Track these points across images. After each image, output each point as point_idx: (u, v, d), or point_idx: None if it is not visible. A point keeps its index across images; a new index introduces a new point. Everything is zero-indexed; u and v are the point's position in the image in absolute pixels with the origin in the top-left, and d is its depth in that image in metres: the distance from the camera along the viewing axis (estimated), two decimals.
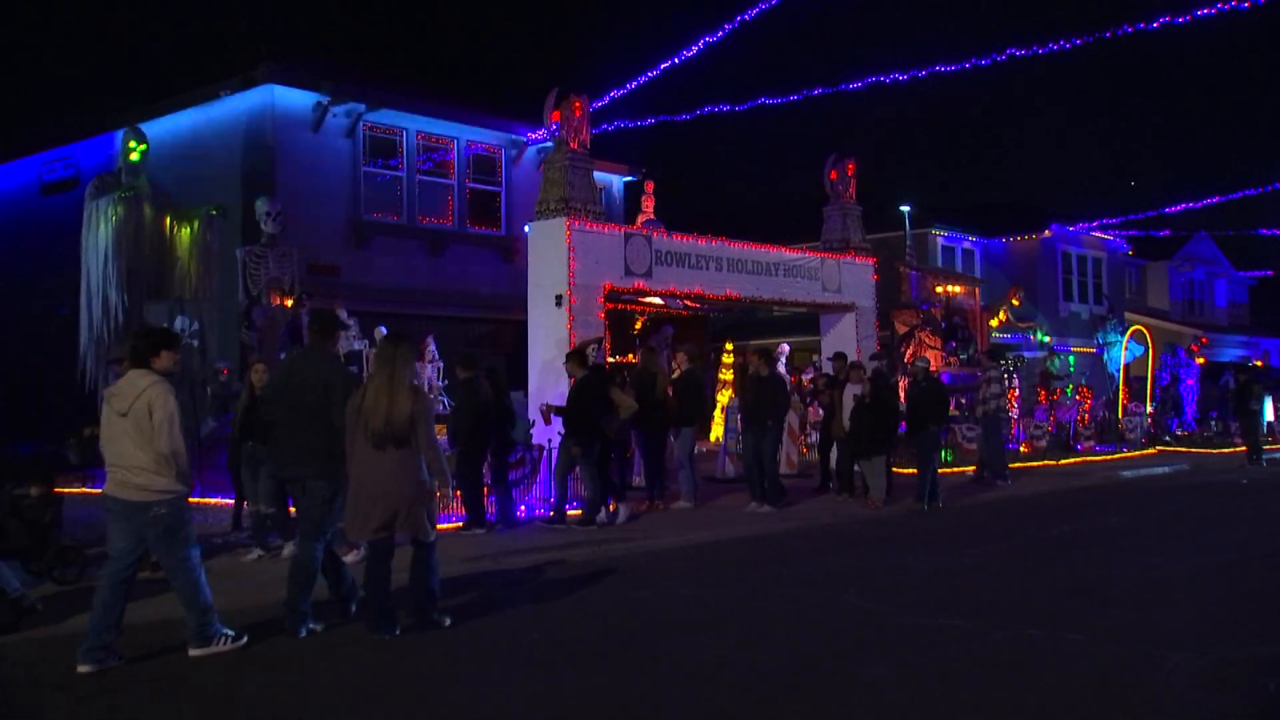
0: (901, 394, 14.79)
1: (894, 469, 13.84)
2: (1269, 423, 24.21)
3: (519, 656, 6.52)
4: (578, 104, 14.76)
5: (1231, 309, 43.62)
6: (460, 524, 10.91)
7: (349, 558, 8.62)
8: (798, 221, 24.09)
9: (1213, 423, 24.80)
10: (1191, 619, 7.41)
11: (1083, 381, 24.53)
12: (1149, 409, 23.85)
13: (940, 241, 31.63)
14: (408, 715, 5.48)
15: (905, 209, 29.12)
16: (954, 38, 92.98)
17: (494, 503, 11.48)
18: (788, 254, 17.73)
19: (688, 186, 64.33)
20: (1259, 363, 33.70)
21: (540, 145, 20.89)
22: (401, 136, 19.91)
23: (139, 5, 52.14)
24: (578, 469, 11.58)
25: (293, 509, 11.11)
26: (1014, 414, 19.34)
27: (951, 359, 21.67)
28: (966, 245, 32.75)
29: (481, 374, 11.44)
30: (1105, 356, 26.72)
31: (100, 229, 14.93)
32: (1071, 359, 26.39)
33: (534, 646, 6.71)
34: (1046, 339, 25.74)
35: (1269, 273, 44.32)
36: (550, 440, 12.25)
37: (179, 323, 14.06)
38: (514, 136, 21.31)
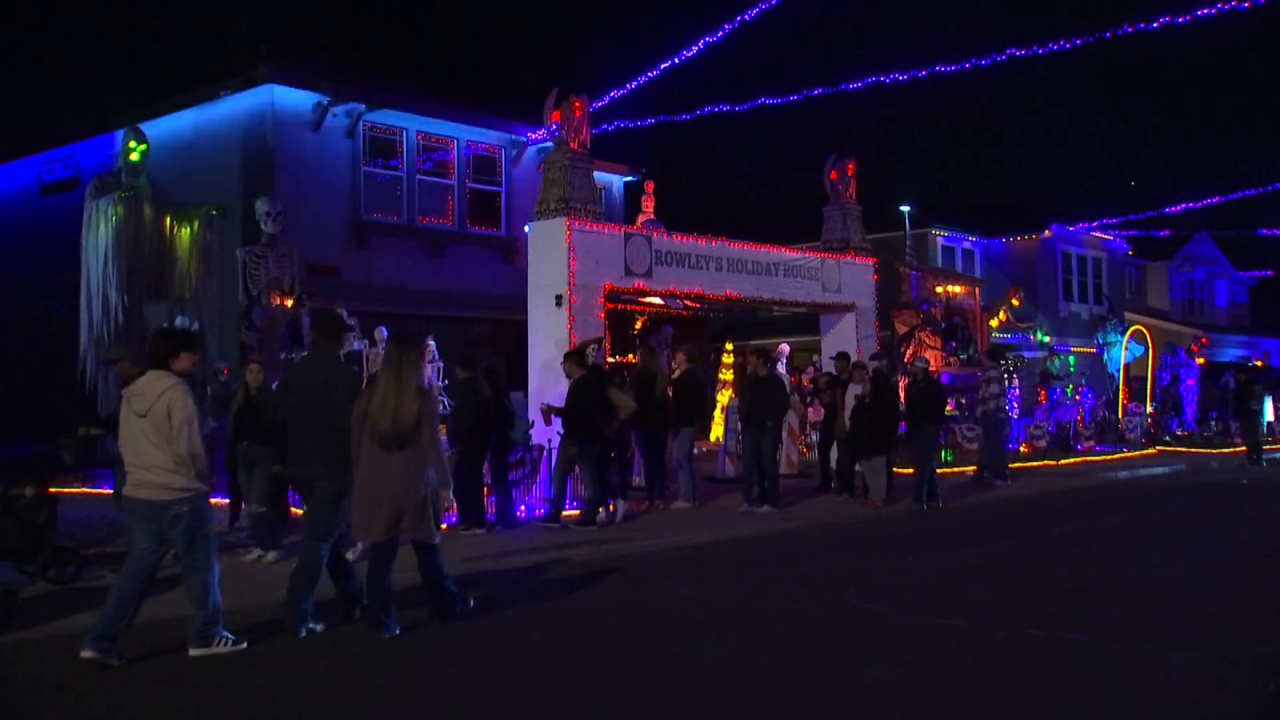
0: (902, 394, 14.79)
1: (894, 469, 13.85)
2: (1269, 423, 24.21)
3: (519, 656, 6.52)
4: (578, 104, 14.76)
5: (1231, 309, 43.62)
6: (451, 525, 10.89)
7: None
8: (798, 221, 24.09)
9: (1213, 423, 24.80)
10: (1191, 619, 7.41)
11: (1082, 380, 24.55)
12: (1149, 409, 23.86)
13: (940, 241, 31.63)
14: (408, 715, 5.48)
15: (905, 209, 29.11)
16: (954, 38, 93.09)
17: (494, 503, 11.48)
18: (788, 254, 17.73)
19: (688, 186, 64.39)
20: (1259, 363, 33.71)
21: (540, 145, 20.89)
22: (401, 136, 19.91)
23: (139, 5, 52.18)
24: (578, 469, 11.59)
25: (296, 509, 11.16)
26: (1013, 414, 19.34)
27: (951, 359, 21.67)
28: (966, 245, 32.74)
29: (480, 374, 11.45)
30: (1105, 356, 26.73)
31: (100, 229, 14.94)
32: (1071, 359, 26.41)
33: (534, 646, 6.71)
34: (1046, 339, 25.75)
35: (1269, 273, 44.31)
36: (550, 440, 12.25)
37: (179, 323, 14.08)
38: (514, 136, 21.31)
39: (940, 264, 30.32)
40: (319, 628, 6.91)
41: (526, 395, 14.69)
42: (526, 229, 15.78)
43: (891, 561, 9.79)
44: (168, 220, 15.33)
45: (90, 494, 12.96)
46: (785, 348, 20.44)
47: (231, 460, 10.06)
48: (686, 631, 7.08)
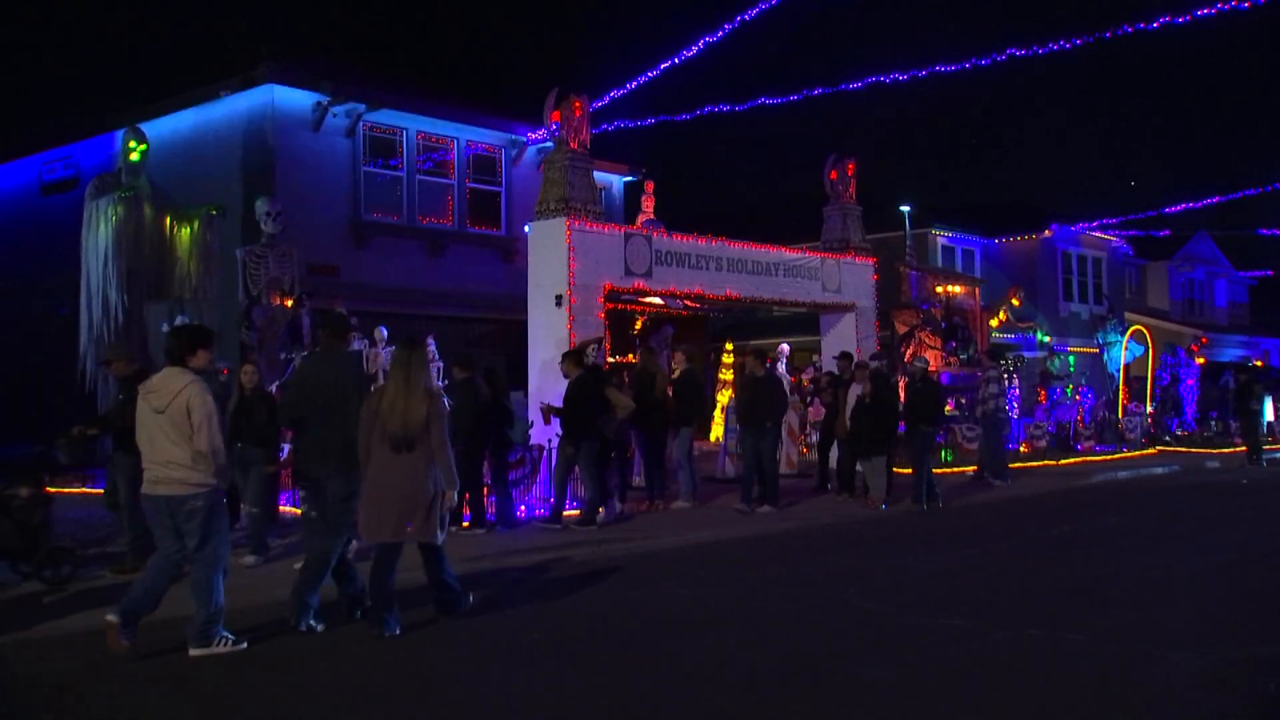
0: (902, 394, 14.79)
1: (894, 469, 13.85)
2: (1269, 423, 24.22)
3: (519, 656, 6.52)
4: (578, 104, 14.76)
5: (1231, 309, 43.62)
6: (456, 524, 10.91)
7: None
8: (798, 221, 24.09)
9: (1213, 423, 24.82)
10: (1191, 619, 7.41)
11: (1082, 381, 24.56)
12: (1149, 409, 23.86)
13: (940, 241, 31.63)
14: (408, 715, 5.48)
15: (905, 209, 29.12)
16: (954, 38, 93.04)
17: (493, 503, 11.48)
18: (788, 254, 17.73)
19: (688, 186, 64.32)
20: (1259, 363, 33.71)
21: (540, 145, 20.88)
22: (401, 136, 19.90)
23: (139, 5, 52.20)
24: (578, 469, 11.59)
25: (294, 510, 11.16)
26: (1013, 414, 19.35)
27: (951, 359, 21.68)
28: (966, 245, 32.76)
29: (479, 374, 11.45)
30: (1105, 356, 26.73)
31: (100, 229, 14.92)
32: (1071, 359, 26.41)
33: (534, 646, 6.71)
34: (1046, 339, 25.76)
35: (1269, 273, 44.31)
36: (550, 440, 12.25)
37: (179, 323, 14.06)
38: (514, 136, 21.30)
39: (940, 264, 30.32)
40: (320, 627, 6.91)
41: (526, 395, 14.69)
42: (526, 229, 15.78)
43: (891, 561, 9.79)
44: (168, 220, 15.31)
45: (90, 494, 12.94)
46: (785, 348, 20.44)
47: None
48: (686, 631, 7.08)
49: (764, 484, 12.76)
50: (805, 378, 19.73)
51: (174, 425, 6.28)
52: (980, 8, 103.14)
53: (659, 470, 13.04)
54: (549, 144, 16.26)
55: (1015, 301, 25.11)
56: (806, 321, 22.19)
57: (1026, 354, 24.13)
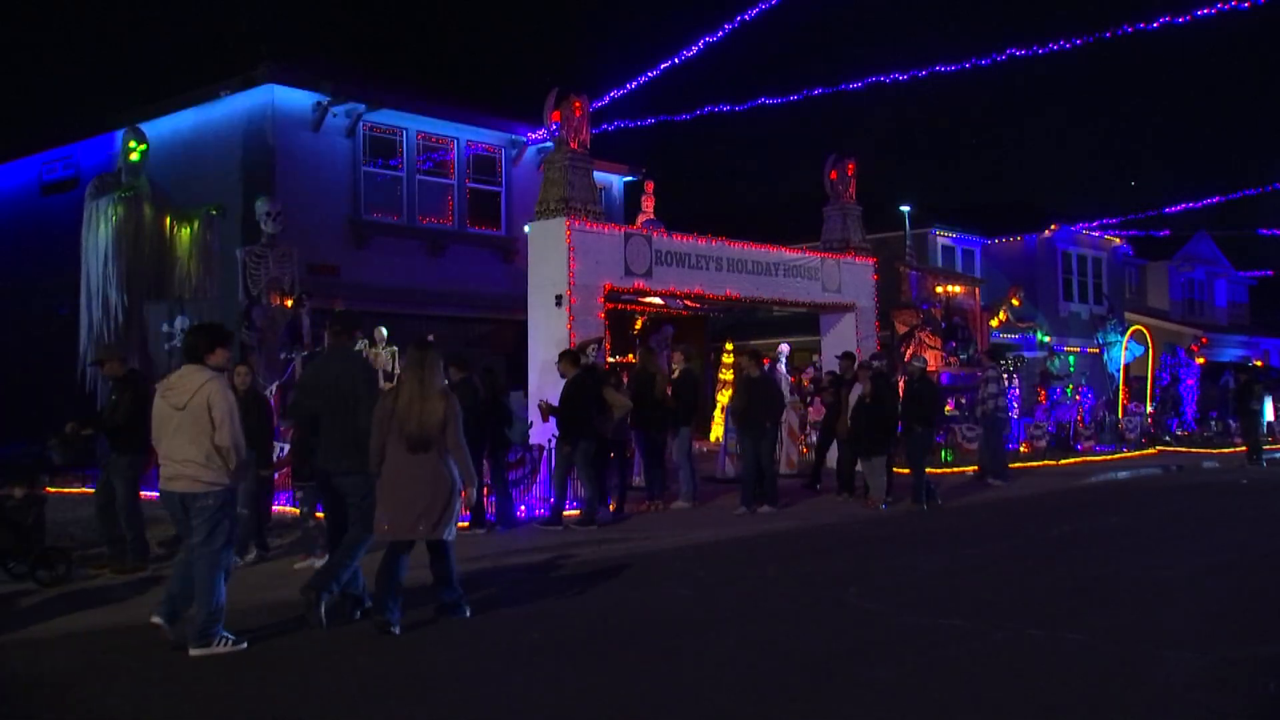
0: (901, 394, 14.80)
1: (895, 469, 13.85)
2: (1269, 423, 24.22)
3: (519, 656, 6.52)
4: (578, 104, 14.75)
5: (1231, 309, 43.63)
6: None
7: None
8: (798, 221, 24.08)
9: (1213, 423, 24.82)
10: (1191, 619, 7.41)
11: (1082, 381, 24.57)
12: (1149, 409, 23.87)
13: (940, 241, 31.65)
14: (408, 715, 5.48)
15: (905, 209, 29.12)
16: (954, 38, 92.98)
17: (493, 503, 11.48)
18: (788, 254, 17.72)
19: (688, 186, 64.29)
20: (1259, 363, 33.73)
21: (540, 145, 20.88)
22: (401, 136, 19.90)
23: (139, 5, 52.21)
24: (575, 469, 11.58)
25: (292, 509, 11.15)
26: (1014, 414, 19.35)
27: (951, 359, 21.68)
28: (966, 245, 32.76)
29: (476, 374, 11.45)
30: (1105, 356, 26.74)
31: (100, 229, 14.92)
32: (1071, 359, 26.42)
33: (534, 646, 6.71)
34: (1046, 339, 25.77)
35: (1269, 273, 44.31)
36: (550, 440, 12.25)
37: (179, 322, 14.07)
38: (514, 136, 21.30)
39: (940, 264, 30.33)
40: (320, 628, 6.90)
41: (526, 395, 14.68)
42: (526, 229, 15.77)
43: (891, 561, 9.79)
44: (168, 220, 15.31)
45: (89, 494, 12.92)
46: (785, 348, 20.44)
47: None
48: (686, 631, 7.08)
49: (763, 483, 12.75)
50: (805, 377, 19.73)
51: (194, 422, 6.34)
52: (980, 8, 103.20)
53: (659, 470, 13.04)
54: (549, 144, 16.25)
55: (1015, 301, 25.12)
56: (806, 321, 22.18)
57: (1026, 354, 24.14)
